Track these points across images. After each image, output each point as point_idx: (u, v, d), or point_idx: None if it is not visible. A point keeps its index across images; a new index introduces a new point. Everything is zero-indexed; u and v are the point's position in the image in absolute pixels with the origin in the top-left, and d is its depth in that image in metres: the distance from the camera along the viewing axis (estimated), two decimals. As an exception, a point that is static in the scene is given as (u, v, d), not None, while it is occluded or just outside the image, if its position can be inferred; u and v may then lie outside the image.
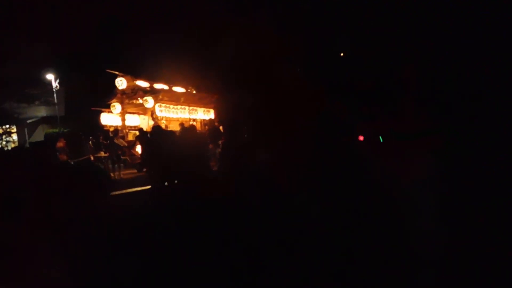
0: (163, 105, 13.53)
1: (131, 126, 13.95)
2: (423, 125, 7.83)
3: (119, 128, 13.41)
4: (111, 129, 13.42)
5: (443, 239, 4.10)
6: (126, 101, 13.59)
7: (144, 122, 14.00)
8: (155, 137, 7.29)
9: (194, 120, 14.35)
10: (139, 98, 13.79)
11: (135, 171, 12.16)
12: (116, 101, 13.41)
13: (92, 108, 13.60)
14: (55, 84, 24.43)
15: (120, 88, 13.22)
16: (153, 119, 13.79)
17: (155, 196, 6.65)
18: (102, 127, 13.51)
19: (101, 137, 11.71)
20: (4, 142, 22.59)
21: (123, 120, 13.63)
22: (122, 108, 13.49)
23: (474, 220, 4.66)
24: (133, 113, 14.04)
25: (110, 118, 13.52)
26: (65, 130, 21.45)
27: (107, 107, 13.43)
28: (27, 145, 21.92)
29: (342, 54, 12.52)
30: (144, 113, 13.99)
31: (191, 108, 14.51)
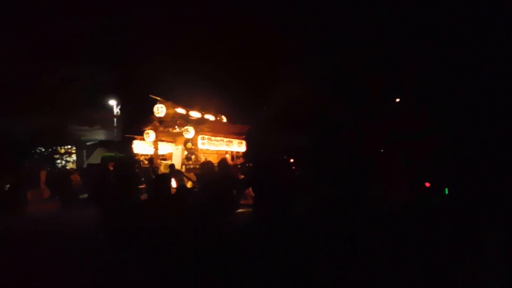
0: (206, 136, 12.18)
1: (162, 155, 13.17)
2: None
3: (152, 157, 12.68)
4: (145, 158, 12.72)
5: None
6: (161, 128, 12.80)
7: (177, 153, 13.09)
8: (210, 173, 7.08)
9: (226, 152, 13.18)
10: (176, 127, 12.98)
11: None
12: (151, 129, 12.69)
13: (126, 135, 13.10)
14: (116, 110, 25.28)
15: (158, 115, 12.54)
16: (187, 149, 12.85)
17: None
18: (134, 155, 12.90)
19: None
20: (64, 162, 23.64)
21: (156, 149, 12.87)
22: (156, 136, 12.75)
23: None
24: (164, 141, 13.24)
25: (142, 146, 12.87)
26: (120, 155, 21.76)
27: (141, 134, 12.79)
28: (85, 165, 22.59)
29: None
30: (174, 142, 13.12)
31: (227, 139, 13.37)
